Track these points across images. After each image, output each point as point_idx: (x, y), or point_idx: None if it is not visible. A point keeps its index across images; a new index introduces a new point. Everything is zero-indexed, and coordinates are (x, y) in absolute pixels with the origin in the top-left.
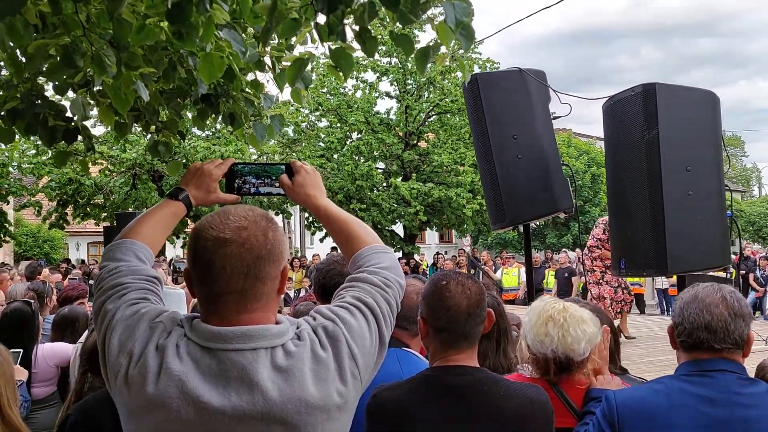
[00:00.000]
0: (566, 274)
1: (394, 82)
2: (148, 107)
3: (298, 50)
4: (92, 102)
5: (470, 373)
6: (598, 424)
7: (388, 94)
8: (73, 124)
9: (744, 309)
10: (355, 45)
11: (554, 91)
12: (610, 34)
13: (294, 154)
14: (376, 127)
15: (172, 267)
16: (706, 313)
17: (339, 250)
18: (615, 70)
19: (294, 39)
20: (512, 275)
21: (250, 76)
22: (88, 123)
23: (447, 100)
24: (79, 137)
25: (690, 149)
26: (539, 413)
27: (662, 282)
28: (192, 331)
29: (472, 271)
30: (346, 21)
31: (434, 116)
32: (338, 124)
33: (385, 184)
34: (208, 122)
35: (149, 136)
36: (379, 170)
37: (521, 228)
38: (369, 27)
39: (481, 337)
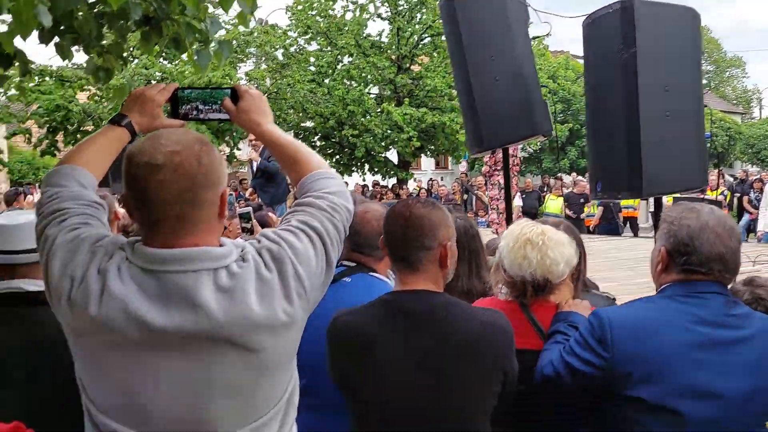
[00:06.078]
0: (581, 200)
1: (386, 3)
2: (83, 31)
3: None
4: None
5: (428, 297)
6: (583, 341)
7: (379, 16)
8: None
9: (741, 238)
10: None
11: (533, 9)
12: None
13: (284, 78)
14: (367, 50)
15: None
16: (720, 244)
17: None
18: None
19: None
20: None
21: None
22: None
23: (440, 21)
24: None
25: (669, 69)
26: (495, 336)
27: None
28: (134, 255)
29: (465, 196)
30: None
31: (427, 38)
32: (328, 48)
33: (377, 110)
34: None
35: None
36: (371, 95)
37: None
38: None
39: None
